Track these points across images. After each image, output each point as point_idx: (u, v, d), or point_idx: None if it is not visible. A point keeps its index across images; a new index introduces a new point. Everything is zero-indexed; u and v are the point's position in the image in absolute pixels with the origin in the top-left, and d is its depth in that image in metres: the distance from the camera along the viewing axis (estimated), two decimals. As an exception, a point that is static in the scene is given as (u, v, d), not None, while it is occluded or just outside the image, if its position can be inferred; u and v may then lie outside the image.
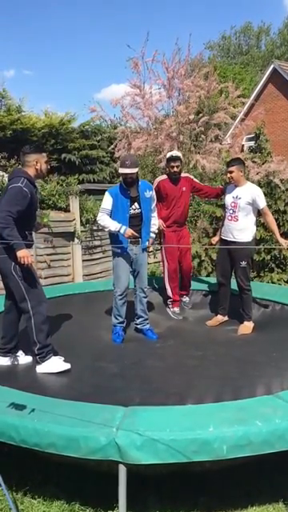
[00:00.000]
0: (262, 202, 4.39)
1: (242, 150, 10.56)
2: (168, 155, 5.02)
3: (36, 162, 3.24)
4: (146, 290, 4.30)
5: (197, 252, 6.74)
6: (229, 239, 4.51)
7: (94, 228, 7.53)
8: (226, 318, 4.77)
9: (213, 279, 6.41)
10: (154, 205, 4.34)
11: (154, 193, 4.38)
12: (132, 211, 4.09)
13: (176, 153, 5.01)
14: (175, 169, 4.81)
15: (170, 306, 5.10)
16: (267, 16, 64.46)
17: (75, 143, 15.98)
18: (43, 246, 6.62)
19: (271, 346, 3.80)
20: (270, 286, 5.84)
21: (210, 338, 4.33)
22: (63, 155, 15.60)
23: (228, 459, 2.13)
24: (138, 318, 4.35)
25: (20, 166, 3.39)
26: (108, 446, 2.10)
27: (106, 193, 4.14)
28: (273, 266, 6.74)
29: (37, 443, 2.22)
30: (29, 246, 3.19)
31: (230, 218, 4.49)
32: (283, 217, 6.89)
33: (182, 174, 4.98)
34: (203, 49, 22.86)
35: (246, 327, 4.46)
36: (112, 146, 8.90)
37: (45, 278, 6.51)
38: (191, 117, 7.77)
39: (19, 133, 14.60)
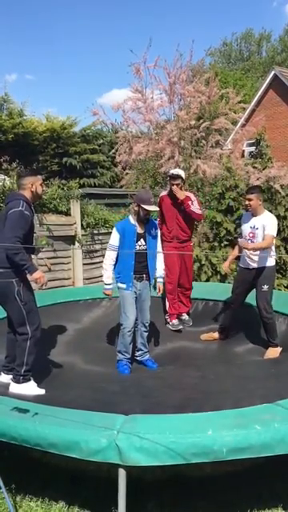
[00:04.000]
0: (271, 231, 4.24)
1: (243, 156, 10.61)
2: (169, 173, 5.06)
3: (32, 185, 3.29)
4: (147, 324, 4.32)
5: (197, 256, 6.76)
6: (247, 267, 4.43)
7: (95, 232, 7.55)
8: (221, 337, 4.71)
9: (213, 284, 6.44)
10: (159, 244, 4.36)
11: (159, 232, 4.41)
12: (138, 247, 4.13)
13: (177, 171, 5.02)
14: (175, 187, 4.84)
15: (168, 319, 5.08)
16: (268, 23, 64.83)
17: (76, 147, 16.06)
18: (44, 250, 6.63)
19: (269, 361, 3.79)
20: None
21: (211, 357, 4.32)
22: (64, 159, 15.67)
23: (227, 465, 2.14)
24: (137, 351, 4.35)
25: (17, 190, 3.43)
26: (108, 448, 2.10)
27: (114, 229, 4.21)
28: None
29: (38, 443, 2.23)
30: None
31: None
32: (283, 222, 6.91)
33: (185, 192, 4.95)
34: (204, 55, 23.04)
35: (273, 353, 4.31)
36: (113, 151, 8.94)
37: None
38: (192, 122, 7.81)
39: (21, 137, 14.67)
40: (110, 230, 7.74)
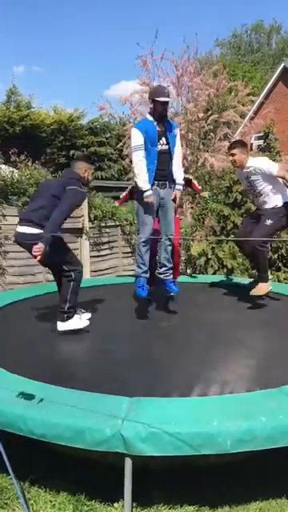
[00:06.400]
0: (273, 169, 4.14)
1: (251, 149, 10.55)
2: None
3: (85, 171, 3.73)
4: (172, 237, 4.07)
5: (204, 250, 6.76)
6: (262, 208, 4.37)
7: (102, 225, 7.57)
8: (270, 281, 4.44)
9: (220, 277, 6.44)
10: (180, 149, 4.04)
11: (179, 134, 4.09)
12: (160, 147, 3.85)
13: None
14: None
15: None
16: (279, 14, 64.04)
17: (84, 140, 16.06)
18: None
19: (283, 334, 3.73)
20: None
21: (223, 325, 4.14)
22: (72, 152, 15.68)
23: (232, 454, 2.17)
24: (160, 267, 4.08)
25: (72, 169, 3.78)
26: (113, 438, 2.13)
27: (134, 129, 3.87)
28: (280, 264, 6.74)
29: (43, 434, 2.27)
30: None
31: (254, 195, 4.47)
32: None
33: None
34: (213, 46, 22.86)
35: (260, 288, 4.18)
36: (121, 144, 8.94)
37: (52, 273, 6.55)
38: (200, 115, 7.79)
39: (28, 129, 14.68)
40: (117, 223, 7.77)
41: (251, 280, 4.88)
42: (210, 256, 6.81)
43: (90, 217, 7.33)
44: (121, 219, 7.82)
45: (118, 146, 9.64)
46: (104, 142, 16.59)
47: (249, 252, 4.45)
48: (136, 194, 4.03)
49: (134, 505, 2.26)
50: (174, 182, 4.02)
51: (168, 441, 2.11)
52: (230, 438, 2.13)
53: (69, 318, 3.63)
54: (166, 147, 3.87)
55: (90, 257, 7.36)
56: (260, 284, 4.24)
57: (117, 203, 5.91)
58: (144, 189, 3.81)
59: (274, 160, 8.05)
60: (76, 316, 3.70)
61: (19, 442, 2.46)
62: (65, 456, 2.55)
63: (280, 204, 4.24)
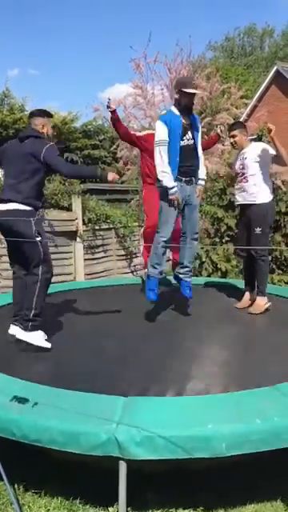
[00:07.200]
0: (272, 151, 4.06)
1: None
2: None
3: (42, 126, 3.34)
4: (196, 236, 3.88)
5: (198, 253, 6.77)
6: (241, 202, 4.24)
7: (96, 227, 7.56)
8: (251, 297, 4.33)
9: (215, 279, 6.45)
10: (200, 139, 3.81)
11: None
12: (186, 141, 3.64)
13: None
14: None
15: (144, 266, 4.84)
16: (271, 18, 64.50)
17: (77, 143, 16.05)
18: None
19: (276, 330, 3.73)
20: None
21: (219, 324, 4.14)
22: (65, 155, 15.62)
23: (227, 456, 2.16)
24: (182, 268, 3.88)
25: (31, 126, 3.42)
26: (108, 442, 2.12)
27: (159, 122, 3.65)
28: (273, 266, 6.76)
29: (37, 439, 2.25)
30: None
31: (239, 180, 4.24)
32: (284, 218, 6.92)
33: None
34: (206, 49, 22.96)
35: (258, 306, 4.10)
36: (114, 146, 8.96)
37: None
38: (194, 117, 7.81)
39: (22, 132, 14.65)
40: (111, 226, 7.76)
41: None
42: (204, 259, 6.82)
43: (83, 220, 7.32)
44: (115, 222, 7.82)
45: (112, 148, 9.64)
46: (98, 144, 16.60)
47: (250, 264, 4.29)
48: (160, 191, 3.79)
49: (129, 509, 2.25)
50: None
51: (163, 444, 2.10)
52: (226, 440, 2.12)
53: (34, 327, 3.17)
54: (192, 142, 3.68)
55: (84, 260, 7.34)
56: (258, 300, 4.16)
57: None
58: (169, 186, 3.59)
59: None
60: (41, 332, 3.26)
61: (12, 447, 2.44)
62: (59, 460, 2.54)
63: (266, 200, 4.12)
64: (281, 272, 6.80)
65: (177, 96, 3.65)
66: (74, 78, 60.61)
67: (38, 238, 3.16)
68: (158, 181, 3.72)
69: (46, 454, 2.51)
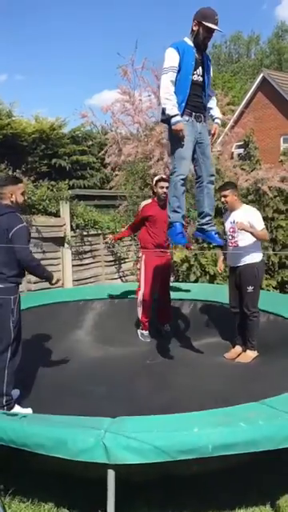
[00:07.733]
0: (259, 225, 4.19)
1: (232, 157, 10.68)
2: (158, 177, 4.89)
3: (11, 195, 3.17)
4: (213, 178, 3.57)
5: (186, 257, 6.79)
6: (233, 265, 4.36)
7: (84, 233, 7.55)
8: (242, 348, 4.38)
9: (203, 285, 6.47)
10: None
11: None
12: (196, 77, 3.36)
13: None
14: (164, 189, 4.53)
15: (141, 327, 4.98)
16: (257, 25, 65.40)
17: (66, 149, 15.98)
18: (33, 251, 6.60)
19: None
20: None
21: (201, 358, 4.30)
22: (53, 160, 15.58)
23: (214, 462, 2.16)
24: (203, 217, 3.54)
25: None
26: (96, 447, 2.11)
27: (171, 48, 3.31)
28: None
29: (25, 443, 2.23)
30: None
31: (230, 244, 4.34)
32: (271, 224, 6.99)
33: None
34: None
35: (247, 357, 4.22)
36: (102, 152, 8.96)
37: (34, 282, 6.49)
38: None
39: (9, 138, 14.55)
40: (99, 232, 7.75)
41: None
42: (192, 262, 6.84)
43: (71, 225, 7.30)
44: (103, 228, 7.82)
45: (100, 154, 9.64)
46: (86, 150, 16.53)
47: (242, 319, 4.37)
48: (168, 126, 3.41)
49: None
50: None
51: (149, 448, 2.10)
52: (212, 442, 2.13)
53: (10, 408, 3.07)
54: (201, 79, 3.39)
55: (72, 266, 7.32)
56: (248, 352, 4.27)
57: (112, 238, 5.54)
58: (171, 114, 3.23)
59: (254, 168, 8.20)
60: (17, 406, 3.14)
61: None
62: (46, 469, 2.51)
63: (257, 260, 4.25)
64: (268, 277, 6.85)
65: (195, 28, 3.33)
66: (62, 84, 60.66)
67: (11, 322, 3.06)
68: (163, 113, 3.39)
69: (33, 464, 2.49)
